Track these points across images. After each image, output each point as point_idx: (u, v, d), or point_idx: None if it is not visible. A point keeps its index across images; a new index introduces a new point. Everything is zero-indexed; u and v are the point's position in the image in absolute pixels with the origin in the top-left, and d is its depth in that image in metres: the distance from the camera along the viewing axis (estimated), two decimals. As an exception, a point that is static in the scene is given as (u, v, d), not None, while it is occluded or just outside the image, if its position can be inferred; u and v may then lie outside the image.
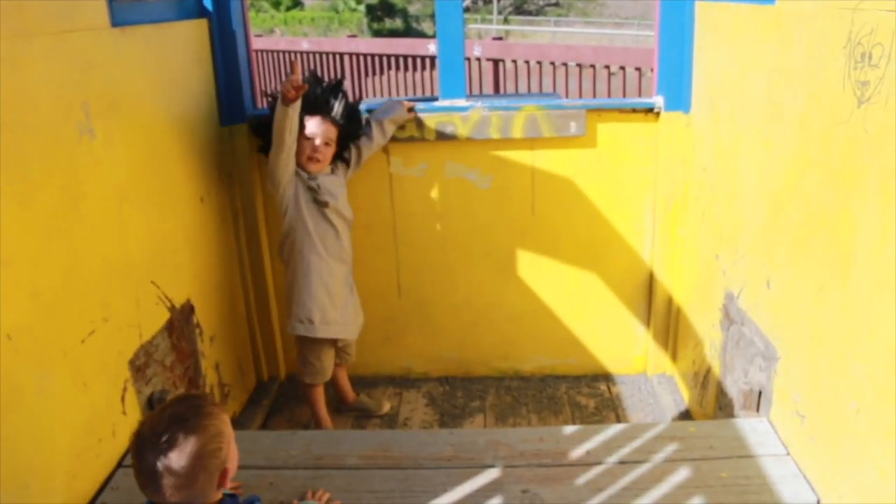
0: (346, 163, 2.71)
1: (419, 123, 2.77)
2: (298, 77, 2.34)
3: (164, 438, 1.31)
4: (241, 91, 2.76)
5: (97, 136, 1.89)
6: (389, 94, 7.86)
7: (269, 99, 2.62)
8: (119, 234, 2.01)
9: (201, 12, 2.66)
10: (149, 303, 2.17)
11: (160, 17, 2.36)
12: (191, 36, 2.56)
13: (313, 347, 2.67)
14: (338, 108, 2.57)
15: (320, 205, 2.57)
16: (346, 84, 8.97)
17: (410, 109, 2.76)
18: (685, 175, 2.75)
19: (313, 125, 2.54)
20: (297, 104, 2.40)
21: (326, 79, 2.65)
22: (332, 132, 2.58)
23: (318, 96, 2.55)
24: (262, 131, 2.62)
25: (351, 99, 2.66)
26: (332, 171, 2.66)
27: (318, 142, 2.55)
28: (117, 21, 2.04)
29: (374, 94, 8.09)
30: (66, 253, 1.76)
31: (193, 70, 2.57)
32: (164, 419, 1.34)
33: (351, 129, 2.65)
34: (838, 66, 1.64)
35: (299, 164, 2.55)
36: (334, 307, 2.65)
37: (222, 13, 2.69)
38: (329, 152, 2.60)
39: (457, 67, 2.75)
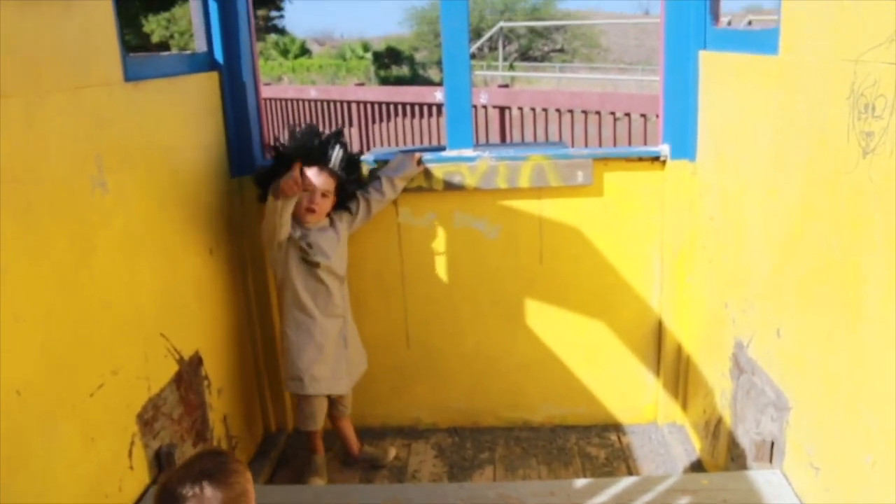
0: (350, 212, 2.73)
1: (427, 174, 2.80)
2: (298, 177, 2.40)
3: (191, 493, 1.32)
4: (251, 143, 2.80)
5: (109, 190, 1.92)
6: (397, 140, 7.94)
7: (271, 151, 2.65)
8: (129, 287, 2.02)
9: (212, 65, 2.71)
10: (158, 355, 2.17)
11: (172, 70, 2.41)
12: (202, 89, 2.60)
13: (305, 400, 2.73)
14: (336, 159, 2.59)
15: (311, 265, 2.59)
16: (354, 131, 9.04)
17: (419, 162, 2.78)
18: (692, 223, 2.76)
19: (311, 176, 2.56)
20: (294, 199, 2.45)
21: (328, 128, 2.69)
22: (330, 183, 2.60)
23: (315, 147, 2.58)
24: (262, 182, 2.64)
25: (351, 148, 2.68)
26: (331, 223, 2.68)
27: (315, 194, 2.57)
28: (130, 76, 2.07)
29: (382, 141, 8.17)
30: (77, 306, 1.76)
31: (204, 122, 2.61)
32: (192, 474, 1.36)
33: (350, 180, 2.67)
34: (842, 116, 1.65)
35: (295, 215, 2.58)
36: (324, 363, 2.69)
37: (233, 66, 2.74)
38: (327, 203, 2.62)
39: (464, 118, 2.79)
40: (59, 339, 1.68)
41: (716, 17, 2.62)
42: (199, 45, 2.69)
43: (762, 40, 2.11)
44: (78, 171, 1.80)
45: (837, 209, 1.68)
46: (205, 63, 2.67)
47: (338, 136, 2.64)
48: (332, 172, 2.59)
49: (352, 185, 2.69)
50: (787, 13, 1.92)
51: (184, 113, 2.45)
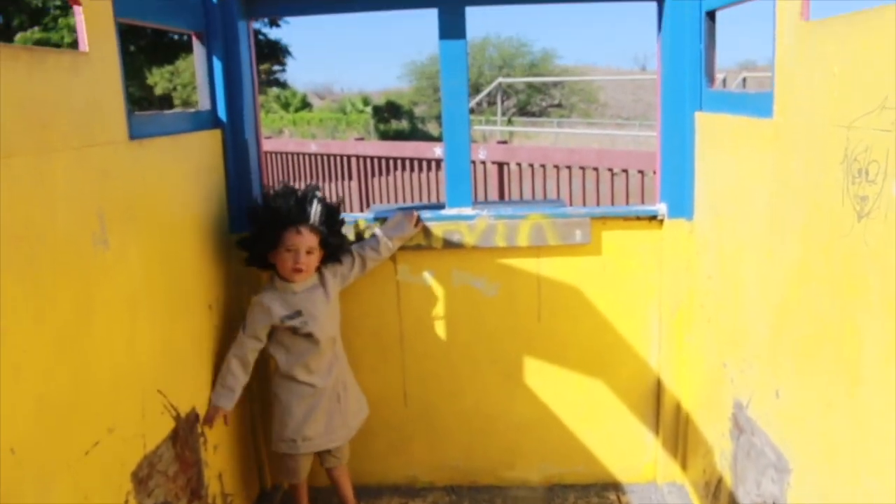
0: (342, 265, 2.74)
1: (426, 232, 2.82)
2: (218, 417, 2.55)
3: None
4: (252, 198, 2.82)
5: (111, 247, 1.93)
6: (396, 193, 8.00)
7: (249, 214, 2.68)
8: (128, 344, 2.02)
9: (215, 123, 2.75)
10: (154, 412, 2.16)
11: (176, 128, 2.44)
12: (205, 146, 2.64)
13: (290, 455, 2.74)
14: (315, 215, 2.60)
15: (298, 329, 2.60)
16: (353, 184, 9.10)
17: (418, 221, 2.81)
18: (690, 282, 2.77)
19: (292, 237, 2.57)
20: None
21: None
22: (313, 239, 2.61)
23: (292, 207, 2.59)
24: (245, 246, 2.67)
25: (330, 199, 2.70)
26: (321, 278, 2.69)
27: (299, 254, 2.58)
28: (135, 134, 2.10)
29: (381, 194, 8.24)
30: (75, 364, 1.76)
31: (206, 178, 2.63)
32: None
33: (333, 231, 2.67)
34: (837, 180, 1.67)
35: (283, 276, 2.59)
36: (316, 422, 2.68)
37: (235, 124, 2.78)
38: (313, 260, 2.63)
39: (463, 177, 2.82)
40: (55, 397, 1.68)
41: (711, 78, 2.68)
42: (203, 103, 2.73)
43: (757, 103, 2.15)
44: (81, 228, 1.81)
45: (834, 272, 1.70)
46: (208, 121, 2.71)
47: (314, 192, 2.65)
48: (312, 228, 2.60)
49: (335, 237, 2.69)
50: (781, 78, 1.96)
51: (186, 170, 2.48)
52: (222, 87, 2.74)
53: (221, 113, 2.75)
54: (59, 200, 1.72)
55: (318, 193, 2.65)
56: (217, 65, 2.73)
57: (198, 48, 2.73)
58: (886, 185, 1.48)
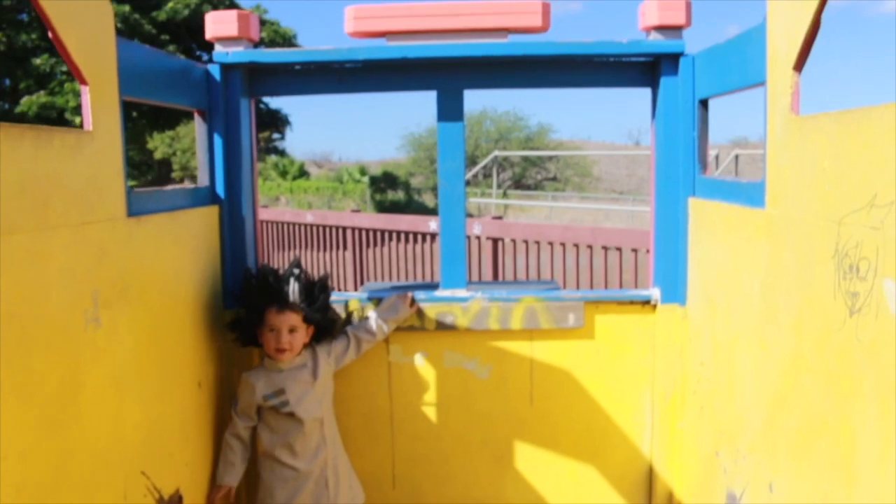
0: (335, 343, 2.73)
1: (419, 313, 2.82)
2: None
3: None
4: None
5: (102, 325, 1.92)
6: (390, 265, 8.02)
7: (231, 297, 2.70)
8: (114, 425, 1.98)
9: (213, 199, 2.77)
10: (137, 494, 2.11)
11: (174, 205, 2.46)
12: (202, 222, 2.65)
13: None
14: (294, 294, 2.61)
15: (279, 408, 2.58)
16: (349, 254, 9.11)
17: (412, 302, 2.81)
18: (683, 368, 2.76)
19: (273, 318, 2.58)
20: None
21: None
22: (295, 318, 2.60)
23: (272, 287, 2.60)
24: (232, 327, 2.69)
25: (312, 275, 2.71)
26: (313, 356, 2.67)
27: (281, 333, 2.58)
28: (133, 211, 2.12)
29: (375, 264, 8.26)
30: (59, 446, 1.73)
31: (202, 255, 2.64)
32: None
33: (317, 307, 2.66)
34: (828, 274, 1.68)
35: (269, 355, 2.60)
36: None
37: (233, 200, 2.80)
38: (298, 338, 2.61)
39: (458, 258, 2.84)
40: (37, 480, 1.64)
41: (704, 165, 2.72)
42: (202, 179, 2.76)
43: (749, 192, 2.18)
44: (74, 306, 1.80)
45: (828, 366, 1.69)
46: (206, 197, 2.73)
47: (292, 270, 2.66)
48: (294, 308, 2.60)
49: (318, 313, 2.67)
50: (772, 169, 1.99)
51: (183, 246, 2.48)
52: (222, 164, 2.77)
53: (220, 189, 2.78)
54: (53, 279, 1.72)
55: (297, 271, 2.66)
56: (218, 141, 2.77)
57: (199, 125, 2.77)
58: (877, 282, 1.49)
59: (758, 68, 2.07)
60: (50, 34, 1.80)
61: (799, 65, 1.86)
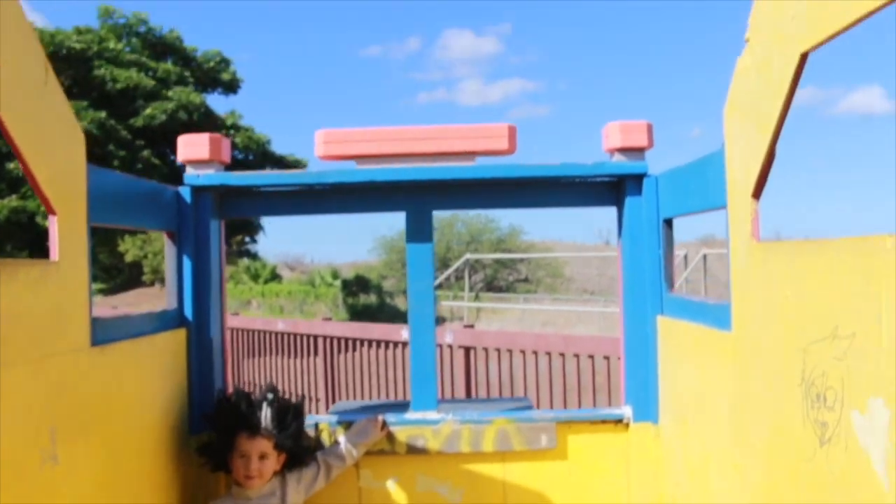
0: (306, 469, 2.65)
1: (390, 437, 2.77)
2: None
3: None
4: (213, 400, 2.76)
5: (60, 462, 1.85)
6: (361, 370, 7.94)
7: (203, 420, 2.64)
8: (69, 567, 1.89)
9: (181, 322, 2.74)
10: None
11: (140, 331, 2.42)
12: (168, 347, 2.61)
13: None
14: (266, 420, 2.55)
15: None
16: (319, 361, 9.01)
17: (383, 426, 2.76)
18: (658, 488, 2.71)
19: (243, 443, 2.52)
20: None
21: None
22: (266, 444, 2.54)
23: (243, 413, 2.55)
24: (202, 452, 2.62)
25: (285, 400, 2.65)
26: (281, 486, 2.60)
27: (250, 460, 2.51)
28: (97, 340, 2.07)
29: (346, 370, 8.16)
30: None
31: (168, 380, 2.59)
32: None
33: (288, 434, 2.59)
34: (796, 401, 1.68)
35: (237, 482, 2.53)
36: None
37: (201, 322, 2.77)
38: (267, 465, 2.55)
39: (428, 380, 2.81)
40: None
41: (670, 283, 2.75)
42: (170, 301, 2.73)
43: (715, 314, 2.20)
44: (29, 445, 1.74)
45: (801, 496, 1.67)
46: (174, 320, 2.70)
47: (266, 395, 2.61)
48: (265, 434, 2.55)
49: (290, 440, 2.60)
50: (737, 293, 2.01)
51: (148, 373, 2.43)
52: (190, 287, 2.75)
53: (188, 312, 2.75)
54: (9, 416, 1.66)
55: (270, 396, 2.61)
56: (187, 263, 2.76)
57: (169, 247, 2.76)
58: (844, 413, 1.49)
59: (718, 193, 2.13)
60: (21, 166, 1.81)
61: (757, 193, 1.91)
